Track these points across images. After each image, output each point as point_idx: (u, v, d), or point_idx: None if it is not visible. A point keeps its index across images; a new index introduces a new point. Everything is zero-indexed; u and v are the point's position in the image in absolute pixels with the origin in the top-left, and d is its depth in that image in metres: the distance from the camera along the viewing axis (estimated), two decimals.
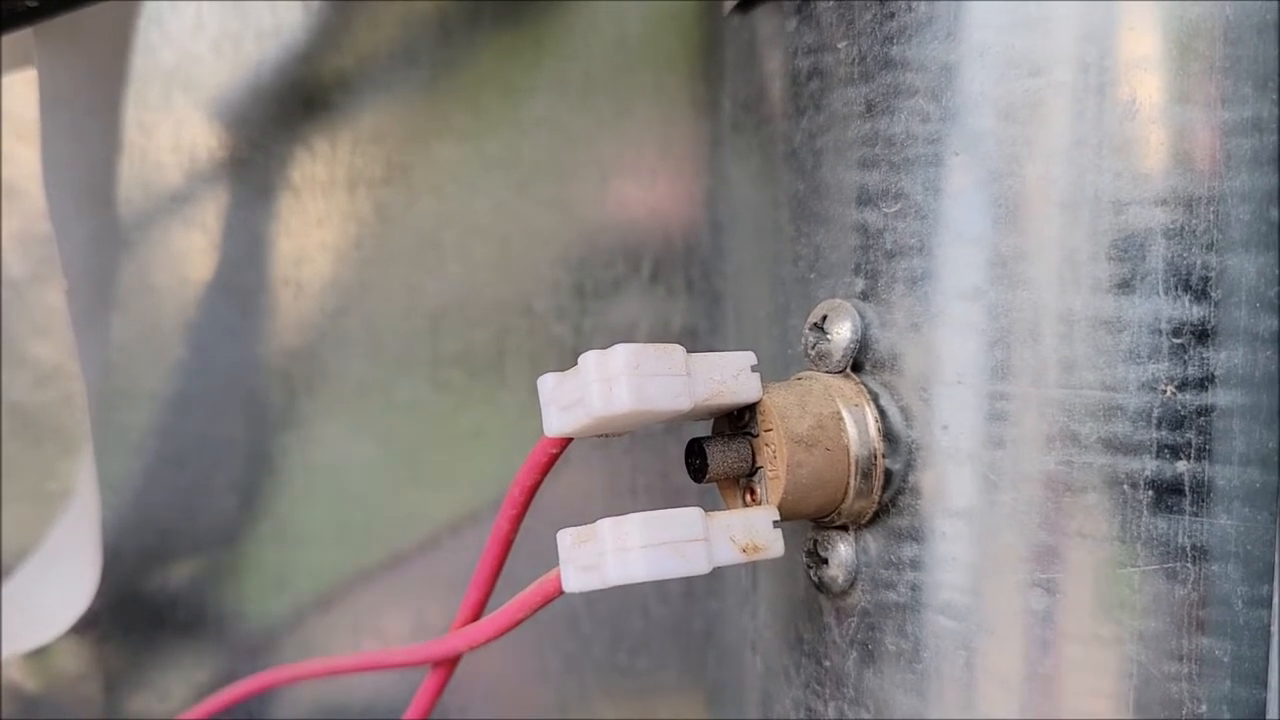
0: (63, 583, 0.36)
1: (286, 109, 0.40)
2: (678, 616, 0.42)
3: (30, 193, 0.40)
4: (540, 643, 0.42)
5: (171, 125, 0.40)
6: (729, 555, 0.23)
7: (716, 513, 0.23)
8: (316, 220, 0.40)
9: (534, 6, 0.40)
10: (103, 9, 0.32)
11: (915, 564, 0.24)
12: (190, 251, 0.40)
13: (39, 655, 0.41)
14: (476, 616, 0.28)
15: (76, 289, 0.33)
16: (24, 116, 0.40)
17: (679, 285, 0.40)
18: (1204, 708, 0.22)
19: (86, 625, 0.40)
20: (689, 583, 0.42)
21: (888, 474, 0.24)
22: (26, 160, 0.40)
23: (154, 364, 0.41)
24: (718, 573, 0.40)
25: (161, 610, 0.42)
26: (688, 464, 0.25)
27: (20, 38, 0.32)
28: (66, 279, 0.33)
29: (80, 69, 0.34)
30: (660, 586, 0.42)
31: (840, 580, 0.25)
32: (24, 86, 0.39)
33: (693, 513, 0.22)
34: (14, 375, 0.41)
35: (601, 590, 0.22)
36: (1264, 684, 0.22)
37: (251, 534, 0.41)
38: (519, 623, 0.26)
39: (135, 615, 0.42)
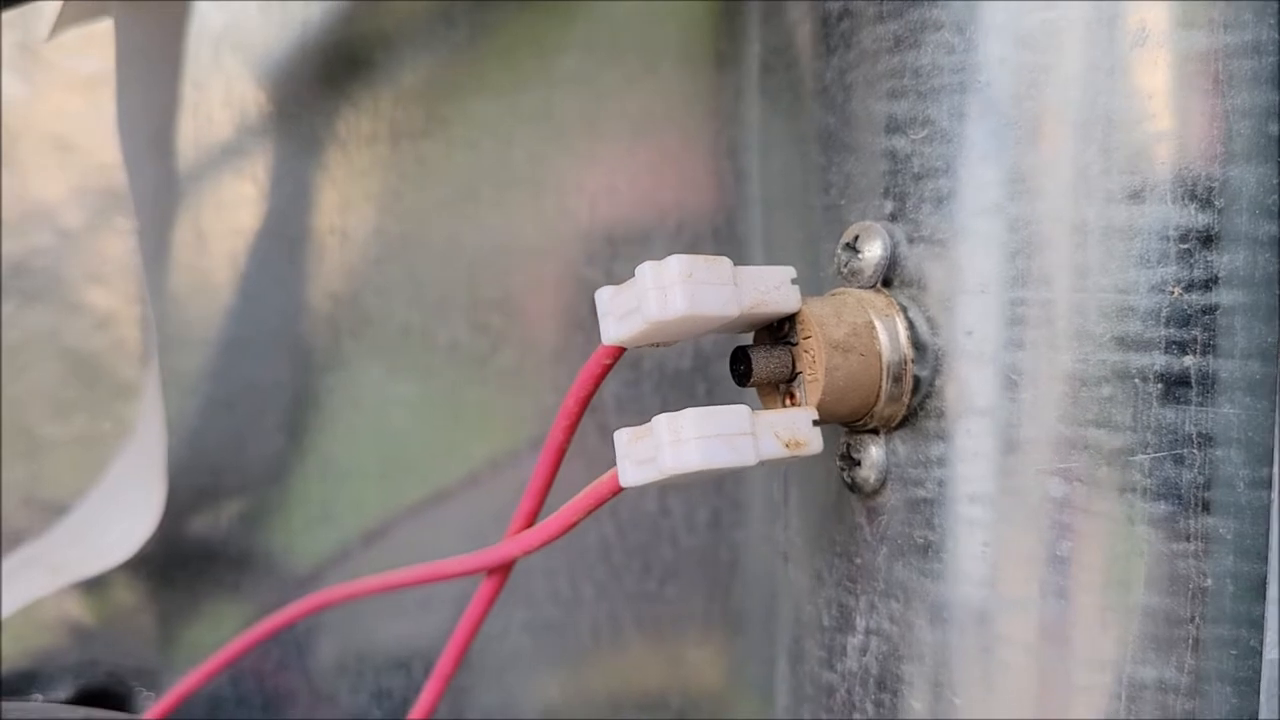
0: (127, 511, 0.38)
1: (331, 67, 0.42)
2: (705, 547, 0.44)
3: (84, 147, 0.42)
4: (574, 572, 0.44)
5: (222, 82, 0.42)
6: (773, 449, 0.25)
7: (761, 411, 0.25)
8: (360, 172, 0.42)
9: None
10: None
11: (942, 461, 0.26)
12: (240, 202, 0.42)
13: (96, 589, 0.43)
14: (530, 524, 0.30)
15: (145, 233, 0.35)
16: (79, 71, 0.42)
17: (704, 231, 0.42)
18: (1209, 582, 0.24)
19: (141, 560, 0.42)
20: (715, 514, 0.44)
21: (916, 379, 0.26)
22: (82, 114, 0.42)
23: (205, 310, 0.43)
24: (743, 505, 0.42)
25: (213, 545, 0.44)
26: (733, 370, 0.27)
27: None
28: (138, 221, 0.35)
29: (150, 25, 0.36)
30: (688, 518, 0.44)
31: (872, 480, 0.28)
32: (81, 42, 0.41)
33: (741, 409, 0.25)
34: (70, 321, 0.43)
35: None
36: (1264, 559, 0.24)
37: (299, 471, 0.43)
38: (572, 526, 0.28)
39: (188, 550, 0.44)
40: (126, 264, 0.42)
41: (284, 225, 0.43)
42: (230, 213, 0.42)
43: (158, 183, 0.38)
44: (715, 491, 0.44)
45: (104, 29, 0.40)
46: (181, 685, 0.39)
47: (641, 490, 0.26)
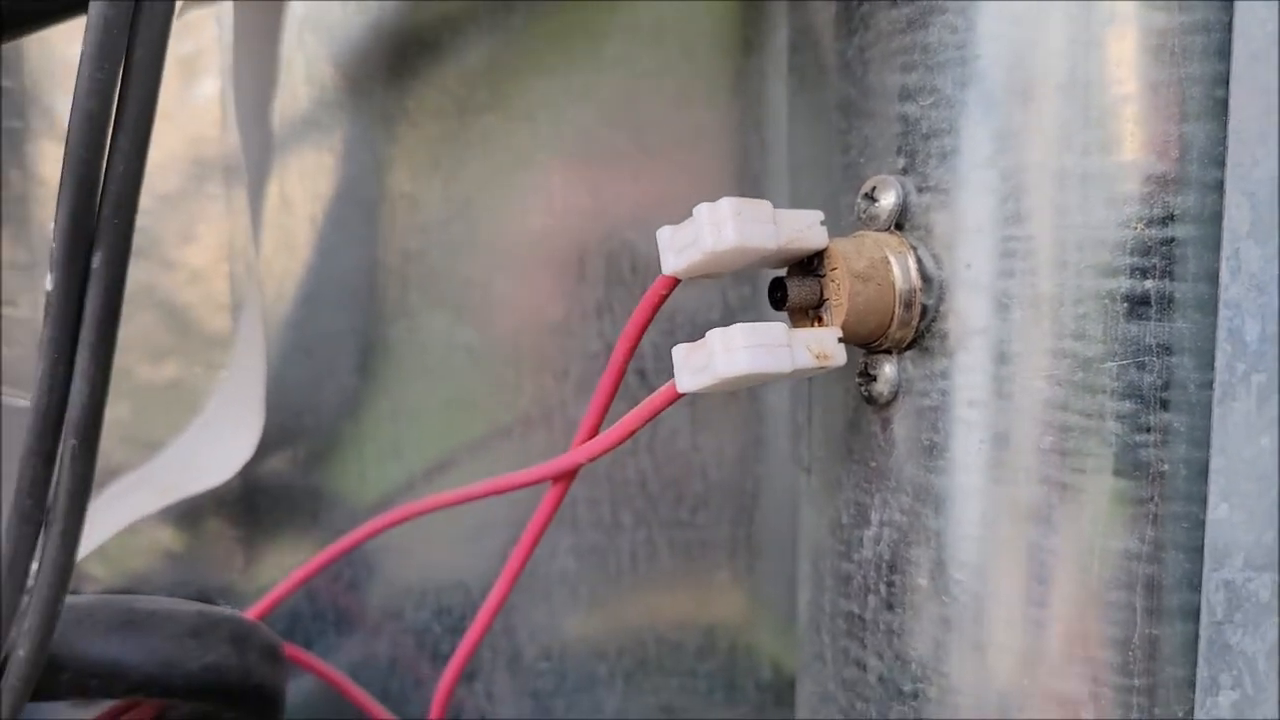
0: (229, 435, 0.43)
1: (402, 48, 0.47)
2: (731, 479, 0.49)
3: (179, 119, 0.47)
4: (615, 501, 0.49)
5: (304, 61, 0.47)
6: (805, 360, 0.30)
7: (796, 329, 0.30)
8: (428, 142, 0.47)
9: None
10: None
11: (945, 375, 0.31)
12: (320, 170, 0.47)
13: (186, 519, 0.48)
14: (593, 434, 0.35)
15: (252, 194, 0.40)
16: (176, 52, 0.46)
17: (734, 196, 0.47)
18: (1166, 467, 0.29)
19: (227, 491, 0.47)
20: (741, 450, 0.49)
21: (924, 307, 0.31)
22: (177, 91, 0.47)
23: (287, 266, 0.48)
24: (764, 441, 0.47)
25: (292, 478, 0.49)
26: (771, 297, 0.32)
27: None
28: (249, 180, 0.40)
29: (260, 9, 0.41)
30: (717, 453, 0.49)
31: (886, 393, 0.33)
32: (180, 27, 0.46)
33: (780, 325, 0.29)
34: (165, 276, 0.48)
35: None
36: (1208, 446, 0.29)
37: (371, 411, 0.48)
38: (634, 433, 0.33)
39: (269, 482, 0.49)
40: (216, 225, 0.47)
41: (359, 190, 0.48)
42: (311, 179, 0.47)
43: (260, 149, 0.43)
44: (741, 430, 0.49)
45: (198, 17, 0.45)
46: (267, 599, 0.44)
47: (693, 397, 0.31)
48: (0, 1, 0.31)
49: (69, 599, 0.33)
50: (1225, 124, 0.28)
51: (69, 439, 0.30)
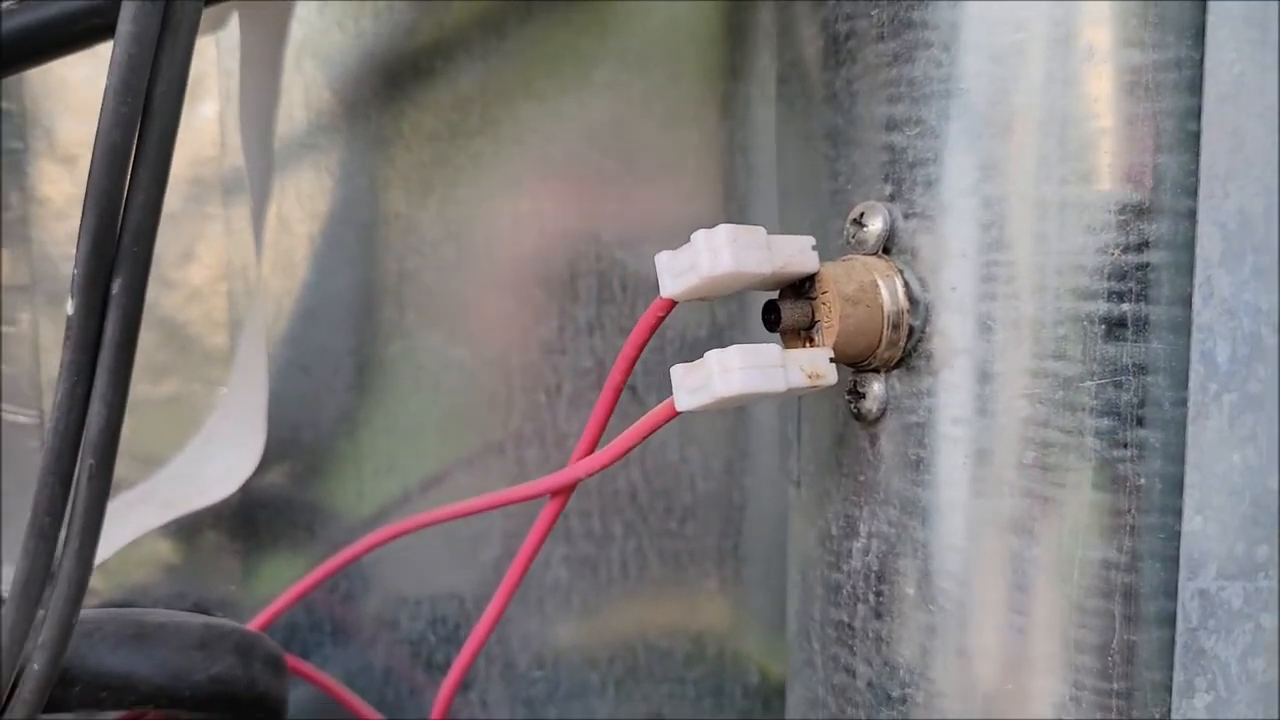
0: (231, 451, 0.44)
1: (396, 73, 0.48)
2: (719, 490, 0.51)
3: (181, 141, 0.48)
4: (606, 513, 0.50)
5: (302, 86, 0.48)
6: (799, 379, 0.31)
7: (789, 350, 0.32)
8: (422, 165, 0.49)
9: None
10: None
11: (930, 392, 0.33)
12: (318, 191, 0.49)
13: (185, 533, 0.49)
14: (591, 451, 0.36)
15: (256, 214, 0.42)
16: None
17: (720, 218, 0.49)
18: (1143, 481, 0.30)
19: (226, 506, 0.48)
20: (728, 462, 0.51)
21: (910, 327, 0.33)
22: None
23: (285, 284, 0.49)
24: (751, 454, 0.49)
25: (290, 492, 0.50)
26: (765, 319, 0.33)
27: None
28: (253, 202, 0.41)
29: (264, 36, 0.42)
30: (704, 464, 0.51)
31: (875, 410, 0.34)
32: None
33: (774, 347, 0.31)
34: (165, 295, 0.49)
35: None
36: (1184, 462, 0.30)
37: (367, 426, 0.50)
38: (630, 450, 0.34)
39: (268, 497, 0.50)
40: (215, 244, 0.48)
41: (355, 211, 0.49)
42: (309, 200, 0.49)
43: (262, 172, 0.44)
44: (728, 442, 0.51)
45: (200, 42, 0.46)
46: (266, 611, 0.45)
47: (690, 414, 0.32)
48: (24, 29, 0.32)
49: (81, 611, 0.34)
50: (1197, 155, 0.29)
51: (86, 459, 0.31)
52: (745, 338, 0.47)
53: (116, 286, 0.30)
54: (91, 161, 0.29)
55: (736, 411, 0.51)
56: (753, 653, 0.52)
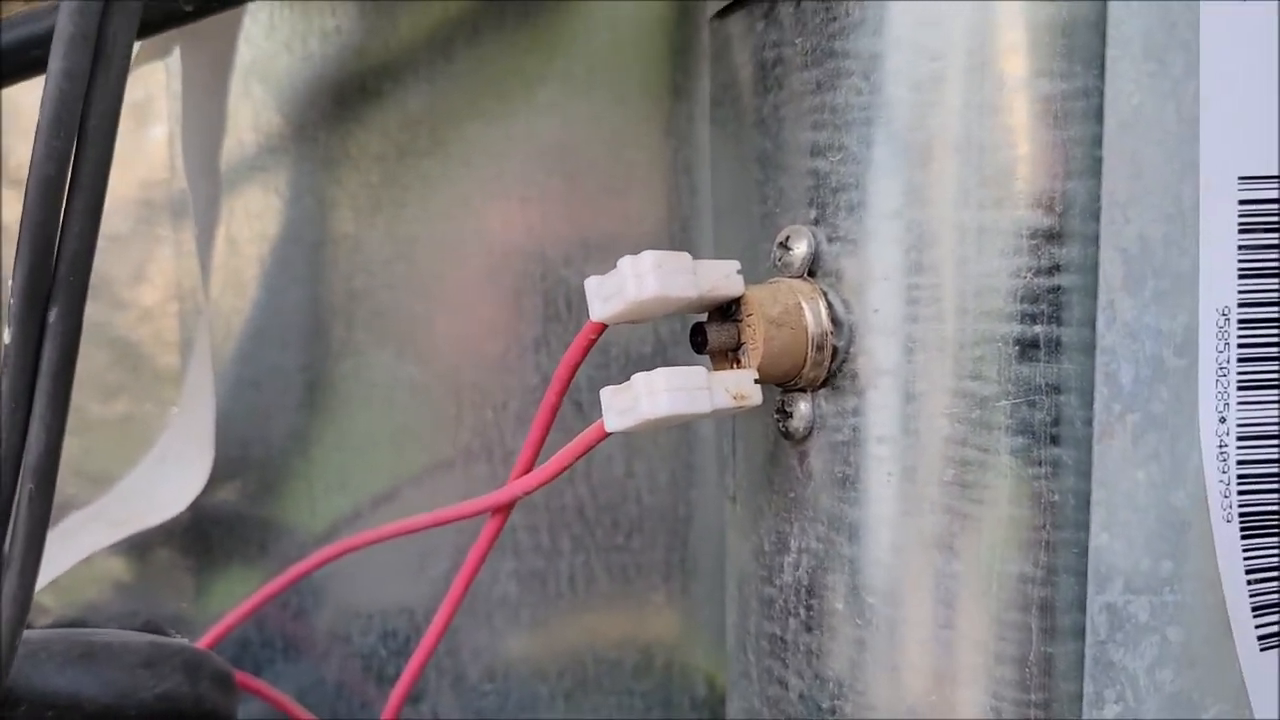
0: (180, 470, 0.45)
1: (345, 95, 0.49)
2: (665, 504, 0.52)
3: (129, 164, 0.48)
4: (554, 527, 0.51)
5: (251, 109, 0.49)
6: (724, 401, 0.32)
7: (715, 371, 0.32)
8: (370, 186, 0.49)
9: (547, 11, 0.49)
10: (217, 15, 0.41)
11: (856, 412, 0.33)
12: (266, 212, 0.49)
13: (137, 550, 0.50)
14: (530, 468, 0.37)
15: (201, 238, 0.42)
16: (127, 100, 0.48)
17: (664, 235, 0.50)
18: (1056, 497, 0.31)
19: (178, 523, 0.48)
20: (673, 476, 0.51)
21: (835, 349, 0.33)
22: (128, 135, 0.48)
23: (235, 304, 0.49)
24: (696, 467, 0.50)
25: (241, 509, 0.50)
26: (692, 341, 0.34)
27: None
28: (197, 228, 0.42)
29: (208, 62, 0.42)
30: (650, 479, 0.51)
31: (802, 429, 0.35)
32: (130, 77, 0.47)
33: (700, 369, 0.31)
34: (116, 315, 0.49)
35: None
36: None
37: (318, 443, 0.50)
38: (565, 470, 0.35)
39: (219, 514, 0.50)
40: (165, 265, 0.49)
41: (304, 231, 0.49)
42: (257, 221, 0.49)
43: (209, 196, 0.45)
44: (673, 457, 0.51)
45: (149, 68, 0.47)
46: (217, 627, 0.46)
47: (624, 434, 0.33)
48: None
49: (26, 632, 0.34)
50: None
51: (26, 482, 0.32)
52: (689, 354, 0.48)
53: (53, 315, 0.31)
54: (26, 194, 0.29)
55: (681, 426, 0.52)
56: (700, 664, 0.53)
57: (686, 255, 0.32)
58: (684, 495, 0.52)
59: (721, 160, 0.41)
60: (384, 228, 0.50)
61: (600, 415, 0.33)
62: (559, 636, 0.52)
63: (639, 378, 0.31)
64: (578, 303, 0.50)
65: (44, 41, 0.33)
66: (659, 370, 0.31)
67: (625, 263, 0.31)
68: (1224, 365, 0.30)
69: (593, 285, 0.33)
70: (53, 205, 0.30)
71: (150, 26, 0.38)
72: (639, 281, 0.31)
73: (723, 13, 0.39)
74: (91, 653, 0.38)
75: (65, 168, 0.30)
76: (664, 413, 0.31)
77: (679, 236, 0.50)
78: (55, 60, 0.28)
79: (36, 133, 0.29)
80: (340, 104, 0.49)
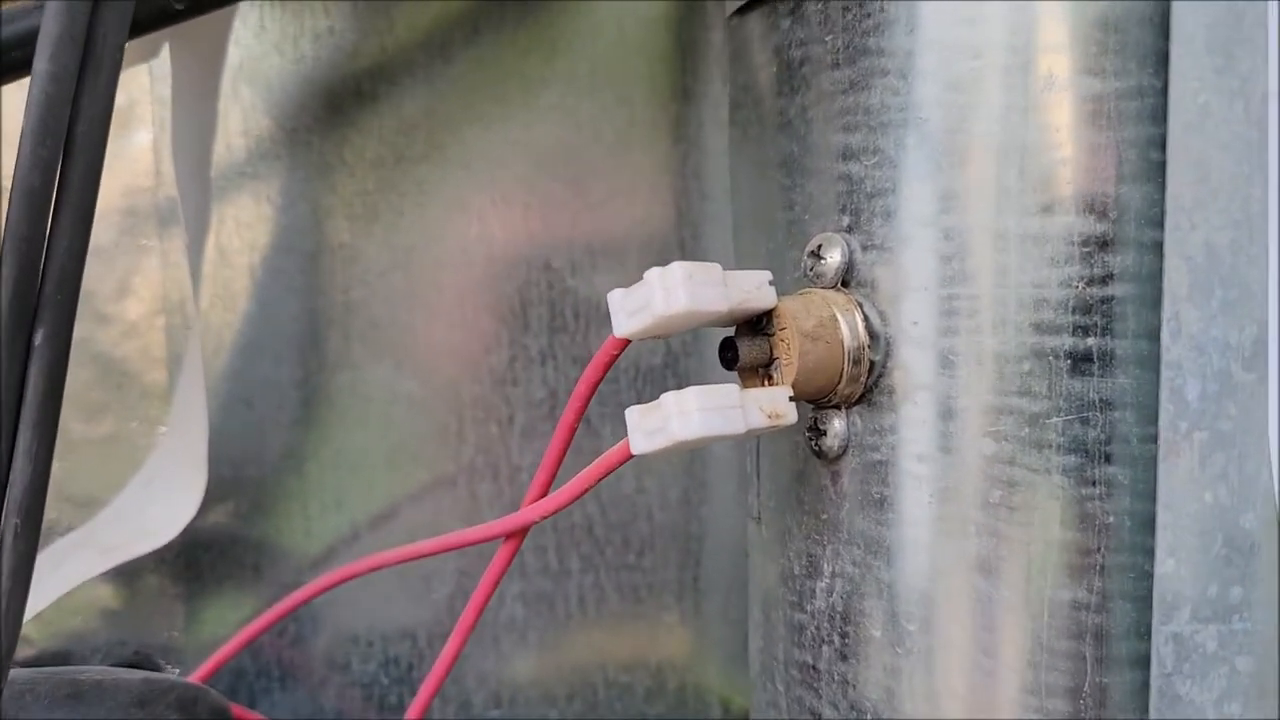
0: (172, 494, 0.43)
1: (339, 98, 0.47)
2: (676, 521, 0.50)
3: (113, 172, 0.46)
4: (562, 547, 0.49)
5: (240, 113, 0.47)
6: (758, 420, 0.30)
7: (748, 389, 0.31)
8: (366, 192, 0.47)
9: (548, 10, 0.47)
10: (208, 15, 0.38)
11: (893, 429, 0.32)
12: (258, 220, 0.47)
13: (125, 576, 0.48)
14: (545, 493, 0.35)
15: (192, 247, 0.40)
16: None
17: (673, 242, 0.48)
18: (1111, 519, 0.29)
19: (168, 547, 0.46)
20: (685, 493, 0.50)
21: (871, 363, 0.32)
22: (112, 143, 0.46)
23: (225, 318, 0.47)
24: (709, 484, 0.48)
25: (234, 531, 0.48)
26: (721, 357, 0.32)
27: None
28: (188, 237, 0.39)
29: (197, 64, 0.40)
30: (662, 495, 0.49)
31: (836, 448, 0.33)
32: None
33: (732, 387, 0.30)
34: (100, 331, 0.47)
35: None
36: (1154, 499, 0.29)
37: (314, 461, 0.48)
38: (584, 493, 0.33)
39: (211, 536, 0.48)
40: (150, 277, 0.47)
41: (298, 241, 0.47)
42: (248, 230, 0.47)
43: (198, 203, 0.43)
44: (684, 473, 0.50)
45: (131, 71, 0.44)
46: (211, 659, 0.44)
47: (645, 457, 0.31)
48: None
49: (11, 672, 0.32)
50: (1161, 185, 0.28)
51: (11, 518, 0.30)
52: (700, 366, 0.46)
53: (39, 337, 0.29)
54: (9, 207, 0.27)
55: None
56: (714, 685, 0.51)
57: (717, 266, 0.30)
58: (696, 512, 0.50)
59: (742, 165, 0.39)
60: (381, 236, 0.48)
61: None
62: (568, 659, 0.50)
63: (669, 397, 0.29)
64: (585, 312, 0.48)
65: (29, 41, 0.31)
66: (691, 389, 0.29)
67: (653, 275, 0.29)
68: None
69: (617, 299, 0.31)
70: (38, 218, 0.28)
71: (139, 26, 0.36)
72: (668, 295, 0.29)
73: (742, 10, 0.37)
74: (80, 692, 0.36)
75: (52, 178, 0.28)
76: (696, 434, 0.29)
77: (690, 244, 0.48)
78: (41, 62, 0.26)
79: (21, 139, 0.27)
80: (334, 107, 0.47)
